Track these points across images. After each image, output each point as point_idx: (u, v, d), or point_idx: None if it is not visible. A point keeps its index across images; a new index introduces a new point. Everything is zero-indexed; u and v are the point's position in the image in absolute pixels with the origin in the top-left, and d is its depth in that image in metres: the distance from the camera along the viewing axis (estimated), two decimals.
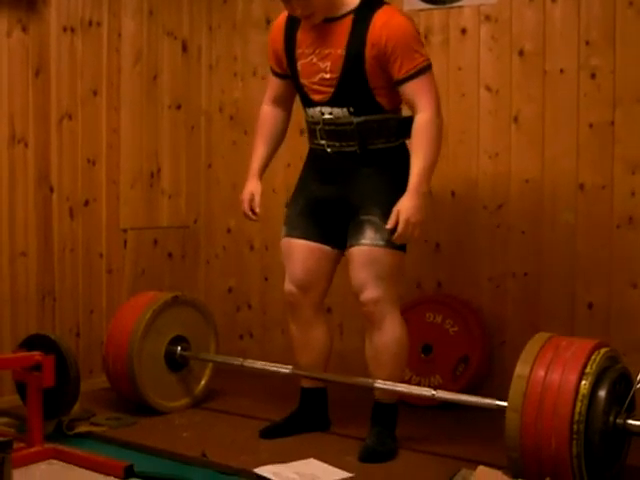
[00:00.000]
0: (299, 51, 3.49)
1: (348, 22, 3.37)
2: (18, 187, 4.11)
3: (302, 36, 3.48)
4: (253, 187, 3.67)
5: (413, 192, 3.29)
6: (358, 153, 3.45)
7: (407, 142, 3.52)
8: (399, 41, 3.29)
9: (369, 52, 3.32)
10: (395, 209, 3.29)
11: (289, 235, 3.63)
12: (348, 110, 3.41)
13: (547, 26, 4.07)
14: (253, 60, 4.87)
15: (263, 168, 3.72)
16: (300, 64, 3.49)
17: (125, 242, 4.63)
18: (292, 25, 3.52)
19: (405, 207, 3.28)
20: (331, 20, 3.40)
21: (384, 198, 3.39)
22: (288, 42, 3.53)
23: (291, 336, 3.76)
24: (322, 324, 3.71)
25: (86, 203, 4.41)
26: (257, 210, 3.66)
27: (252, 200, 3.65)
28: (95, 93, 4.44)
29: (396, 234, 3.28)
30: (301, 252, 3.59)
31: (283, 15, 3.58)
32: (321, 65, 3.42)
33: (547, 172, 4.09)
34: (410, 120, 3.40)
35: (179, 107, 4.91)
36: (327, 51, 3.40)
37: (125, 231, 4.62)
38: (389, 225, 3.29)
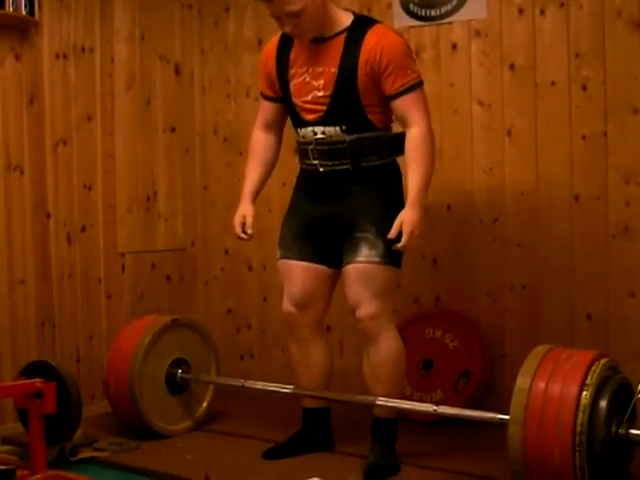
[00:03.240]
0: (292, 71, 3.51)
1: (341, 41, 3.40)
2: (15, 214, 4.12)
3: (295, 56, 3.51)
4: (245, 210, 3.68)
5: (415, 204, 3.31)
6: (351, 171, 3.46)
7: (398, 159, 3.54)
8: (392, 57, 3.32)
9: (362, 69, 3.34)
10: (398, 220, 3.30)
11: (285, 257, 3.64)
12: (340, 128, 3.42)
13: (537, 39, 4.09)
14: (246, 81, 4.89)
15: (256, 192, 3.73)
16: (293, 84, 3.51)
17: (123, 266, 4.63)
18: (284, 47, 3.55)
19: (409, 219, 3.29)
20: (324, 39, 3.43)
21: (378, 215, 3.42)
22: (280, 64, 3.55)
23: (291, 356, 3.76)
24: (322, 343, 3.71)
25: (83, 229, 4.42)
26: (249, 232, 3.66)
27: (244, 223, 3.66)
28: (89, 119, 4.45)
29: (400, 245, 3.29)
30: (298, 272, 3.60)
31: (275, 38, 3.62)
32: (314, 83, 3.44)
33: (542, 184, 4.10)
34: (402, 137, 3.42)
35: (173, 130, 4.92)
36: (320, 69, 3.43)
37: (123, 255, 4.63)
38: (391, 235, 3.29)
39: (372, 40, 3.34)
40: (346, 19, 3.44)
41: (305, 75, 3.47)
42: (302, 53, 3.49)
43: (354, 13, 3.51)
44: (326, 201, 3.54)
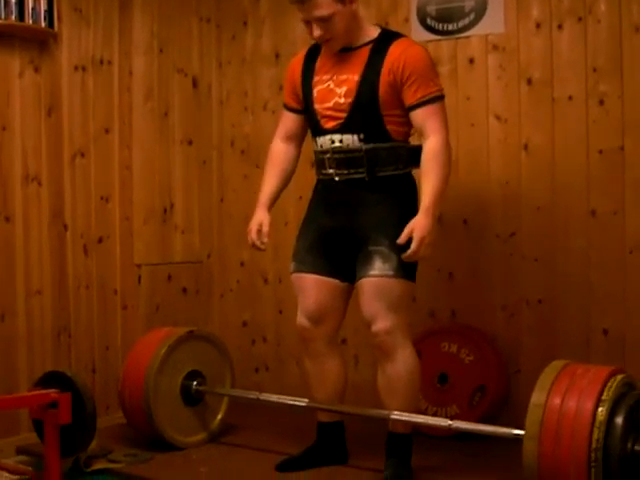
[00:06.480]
0: (316, 78, 3.57)
1: (366, 51, 3.47)
2: (32, 225, 4.13)
3: (321, 64, 3.58)
4: (261, 217, 3.67)
5: (427, 212, 3.30)
6: (366, 180, 3.47)
7: (413, 171, 3.55)
8: (416, 68, 3.37)
9: (384, 78, 3.39)
10: (408, 227, 3.28)
11: (299, 270, 3.64)
12: (358, 137, 3.44)
13: (554, 54, 4.09)
14: (263, 94, 4.91)
15: (272, 201, 3.73)
16: (317, 90, 3.56)
17: (139, 278, 4.64)
18: (311, 57, 3.62)
19: (420, 225, 3.28)
20: (350, 49, 3.49)
21: (391, 228, 3.39)
22: (306, 73, 3.61)
23: (305, 371, 3.75)
24: (336, 357, 3.70)
25: (100, 240, 4.44)
26: (265, 240, 3.65)
27: (260, 230, 3.65)
28: (107, 131, 4.48)
29: (409, 251, 3.27)
30: (312, 286, 3.60)
31: (302, 52, 3.70)
32: (337, 90, 3.49)
33: (558, 199, 4.09)
34: (418, 149, 3.43)
35: (190, 143, 4.94)
36: (344, 77, 3.48)
37: (139, 267, 4.64)
38: (401, 240, 3.28)
39: (396, 51, 3.40)
40: (374, 32, 3.52)
41: (329, 82, 3.53)
42: (328, 61, 3.56)
43: (382, 27, 3.59)
44: (341, 212, 3.54)
